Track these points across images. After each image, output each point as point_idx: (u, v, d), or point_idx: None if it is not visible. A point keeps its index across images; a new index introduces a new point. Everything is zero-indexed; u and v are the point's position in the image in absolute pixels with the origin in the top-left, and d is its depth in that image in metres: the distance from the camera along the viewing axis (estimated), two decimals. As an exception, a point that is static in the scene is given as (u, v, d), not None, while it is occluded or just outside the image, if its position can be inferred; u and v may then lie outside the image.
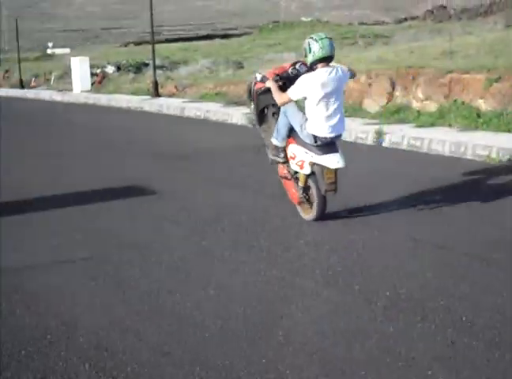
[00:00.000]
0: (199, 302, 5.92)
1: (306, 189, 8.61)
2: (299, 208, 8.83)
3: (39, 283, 6.60)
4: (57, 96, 32.94)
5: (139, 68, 35.16)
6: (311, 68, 8.38)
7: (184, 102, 23.19)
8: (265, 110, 9.28)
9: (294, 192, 8.89)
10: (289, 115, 8.60)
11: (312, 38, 8.38)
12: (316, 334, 5.23)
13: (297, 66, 8.91)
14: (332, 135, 8.30)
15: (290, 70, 8.91)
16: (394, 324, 5.30)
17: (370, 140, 14.20)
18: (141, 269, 6.82)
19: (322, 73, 8.17)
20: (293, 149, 8.70)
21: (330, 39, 8.38)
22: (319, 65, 8.23)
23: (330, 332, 5.23)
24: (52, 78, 42.17)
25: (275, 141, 8.89)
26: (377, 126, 14.52)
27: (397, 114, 15.94)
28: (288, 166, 8.92)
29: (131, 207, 9.60)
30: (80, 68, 34.54)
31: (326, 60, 8.24)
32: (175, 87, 26.81)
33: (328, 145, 8.31)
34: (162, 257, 7.16)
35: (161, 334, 5.32)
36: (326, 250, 7.13)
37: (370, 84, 17.44)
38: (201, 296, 6.05)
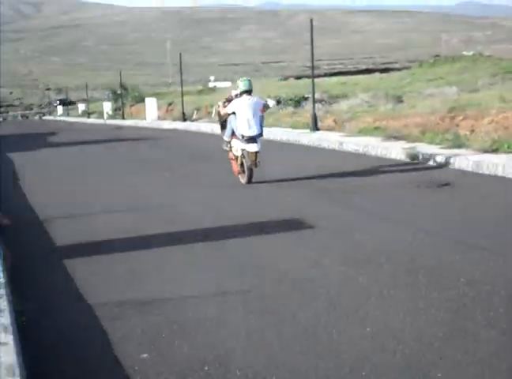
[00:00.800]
0: (355, 339, 5.87)
1: (241, 165, 15.37)
2: (239, 177, 15.55)
3: (197, 315, 6.70)
4: (217, 129, 33.66)
5: (298, 102, 35.49)
6: (240, 96, 15.27)
7: (342, 136, 23.23)
8: (226, 122, 15.79)
9: (236, 167, 15.71)
10: (232, 123, 15.34)
11: (240, 79, 15.79)
12: (476, 376, 5.08)
13: (238, 95, 15.41)
14: (251, 134, 14.96)
15: (234, 97, 15.59)
16: (559, 371, 5.08)
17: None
18: (298, 304, 6.83)
19: (244, 99, 15.16)
20: (233, 142, 15.53)
21: (249, 80, 15.59)
22: (244, 95, 15.21)
23: (491, 375, 5.07)
24: (213, 111, 43.17)
25: (225, 138, 15.83)
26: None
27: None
28: (232, 152, 15.67)
29: (289, 240, 9.64)
30: (240, 101, 35.21)
31: (247, 92, 15.23)
32: (334, 121, 26.90)
33: (250, 139, 14.98)
34: (319, 292, 7.14)
35: (317, 371, 5.30)
36: (487, 291, 6.93)
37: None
38: (357, 333, 5.99)
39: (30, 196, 15.34)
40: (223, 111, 15.70)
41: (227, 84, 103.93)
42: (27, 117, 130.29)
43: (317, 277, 7.73)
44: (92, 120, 73.02)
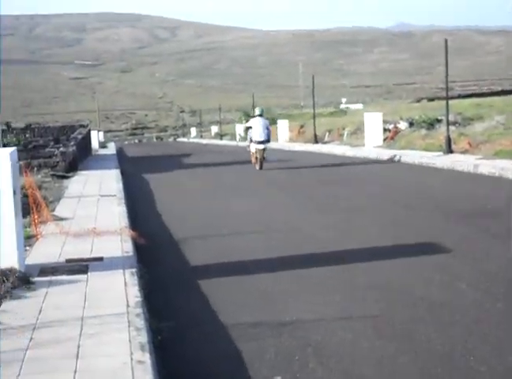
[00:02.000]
0: (495, 368, 5.70)
1: (256, 158, 26.65)
2: (255, 165, 26.63)
3: (330, 338, 6.66)
4: (350, 152, 33.55)
5: (431, 124, 34.96)
6: (255, 117, 28.00)
7: (477, 158, 22.77)
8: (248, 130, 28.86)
9: (253, 159, 26.98)
10: (250, 133, 27.20)
11: (256, 108, 30.76)
12: None
13: (254, 115, 28.72)
14: (260, 140, 26.34)
15: (253, 117, 29.22)
16: None
17: None
18: (433, 329, 6.70)
19: (257, 119, 27.36)
20: (251, 144, 27.03)
21: (262, 108, 29.20)
22: (257, 117, 27.49)
23: None
24: (345, 133, 43.07)
25: (247, 142, 29.07)
26: None
27: None
28: (251, 150, 27.24)
29: (425, 264, 9.48)
30: (373, 123, 35.02)
31: (259, 115, 27.53)
32: (468, 143, 26.39)
33: (259, 142, 26.36)
34: (455, 318, 7.00)
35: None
36: None
37: None
38: (496, 362, 5.82)
39: (165, 216, 15.64)
40: (245, 124, 29.77)
41: (359, 106, 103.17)
42: (161, 139, 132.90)
43: (453, 302, 7.58)
44: (224, 142, 73.89)
